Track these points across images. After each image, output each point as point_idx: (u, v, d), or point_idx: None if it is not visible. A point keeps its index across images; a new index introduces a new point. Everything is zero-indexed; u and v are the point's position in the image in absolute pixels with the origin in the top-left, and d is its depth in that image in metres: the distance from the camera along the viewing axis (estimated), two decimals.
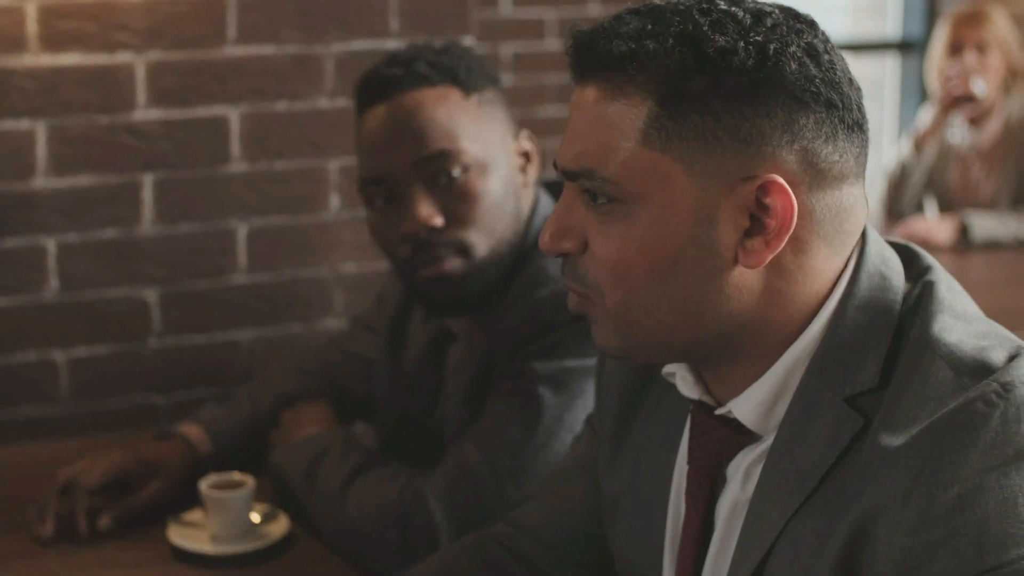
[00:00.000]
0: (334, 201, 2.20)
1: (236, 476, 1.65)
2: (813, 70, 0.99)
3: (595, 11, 4.20)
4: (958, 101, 3.61)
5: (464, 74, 1.62)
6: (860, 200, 1.05)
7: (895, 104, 5.29)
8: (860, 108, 1.03)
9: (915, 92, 5.03)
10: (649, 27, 1.00)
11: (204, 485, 1.62)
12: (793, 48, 0.99)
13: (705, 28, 0.99)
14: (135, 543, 1.65)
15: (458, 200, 1.56)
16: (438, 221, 1.55)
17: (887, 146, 4.94)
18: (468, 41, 2.19)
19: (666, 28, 0.99)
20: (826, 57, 1.01)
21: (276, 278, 2.19)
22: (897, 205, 3.78)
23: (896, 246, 1.10)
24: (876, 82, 5.42)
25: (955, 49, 3.64)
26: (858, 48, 5.42)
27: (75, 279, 2.06)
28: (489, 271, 1.59)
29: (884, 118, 5.37)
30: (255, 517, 1.65)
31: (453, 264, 1.57)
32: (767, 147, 0.99)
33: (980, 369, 0.97)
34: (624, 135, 1.00)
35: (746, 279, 1.01)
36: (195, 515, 1.66)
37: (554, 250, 1.06)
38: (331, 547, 1.62)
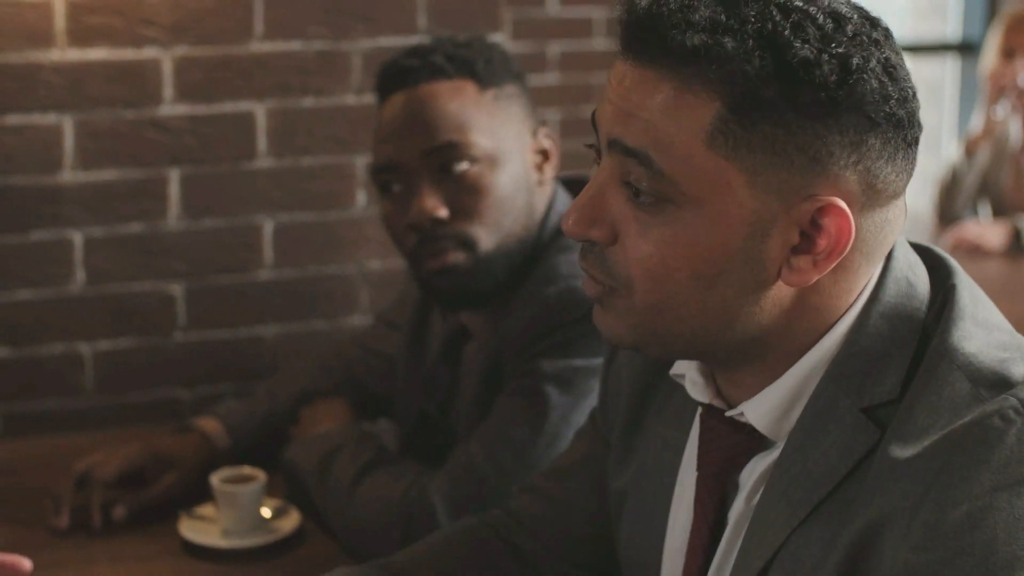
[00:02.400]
0: (360, 198, 2.19)
1: (247, 470, 1.65)
2: (890, 89, 0.94)
3: None
4: (1003, 91, 3.54)
5: (482, 68, 1.61)
6: (902, 212, 1.00)
7: (955, 106, 5.20)
8: (919, 122, 0.98)
9: (975, 94, 4.94)
10: (724, 19, 0.93)
11: (215, 479, 1.62)
12: (873, 63, 0.93)
13: (787, 32, 0.92)
14: (148, 536, 1.65)
15: (465, 193, 1.56)
16: (442, 213, 1.55)
17: (947, 149, 4.86)
18: (498, 38, 2.17)
19: (744, 24, 0.92)
20: (902, 72, 0.96)
21: (301, 274, 2.19)
22: (949, 210, 3.70)
23: (919, 249, 1.06)
24: (936, 84, 5.34)
25: (1007, 54, 3.56)
26: (917, 49, 5.34)
27: (101, 273, 2.08)
28: (495, 266, 1.58)
29: (943, 121, 5.28)
30: (266, 512, 1.65)
31: (456, 257, 1.56)
32: (834, 167, 0.93)
33: (999, 382, 0.93)
34: (688, 132, 0.94)
35: (783, 294, 0.97)
36: (207, 509, 1.66)
37: (579, 236, 1.00)
38: (340, 544, 1.62)
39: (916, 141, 0.98)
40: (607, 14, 4.13)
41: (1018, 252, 3.39)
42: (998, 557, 0.85)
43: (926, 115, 1.00)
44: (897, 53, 0.97)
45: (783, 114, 0.92)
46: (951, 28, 5.22)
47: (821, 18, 0.94)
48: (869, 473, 0.94)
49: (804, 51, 0.92)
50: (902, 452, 0.91)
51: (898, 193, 0.99)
